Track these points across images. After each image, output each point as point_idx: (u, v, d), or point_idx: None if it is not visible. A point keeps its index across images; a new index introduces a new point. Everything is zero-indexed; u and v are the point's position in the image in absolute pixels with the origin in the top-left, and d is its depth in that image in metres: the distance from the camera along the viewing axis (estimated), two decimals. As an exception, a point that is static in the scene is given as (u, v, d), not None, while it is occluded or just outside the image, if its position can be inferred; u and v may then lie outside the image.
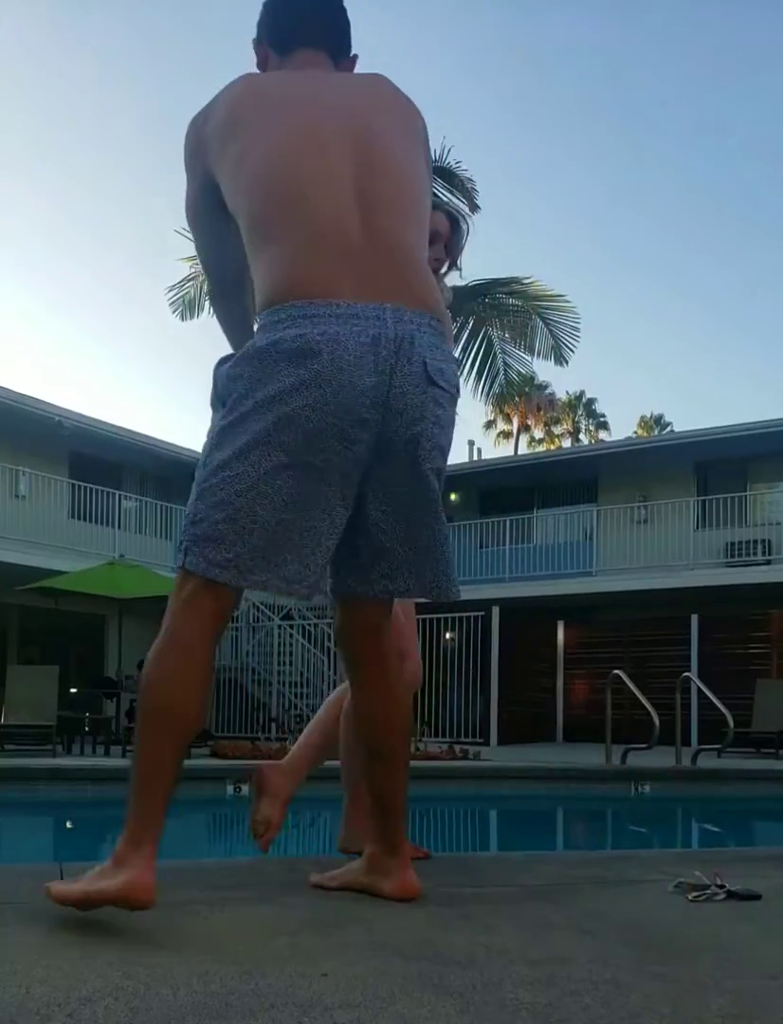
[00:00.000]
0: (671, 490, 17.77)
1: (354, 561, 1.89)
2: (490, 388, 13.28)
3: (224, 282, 2.14)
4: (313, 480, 1.75)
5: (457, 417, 1.91)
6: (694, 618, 15.12)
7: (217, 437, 1.79)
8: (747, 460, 17.59)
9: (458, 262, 2.94)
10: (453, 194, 12.52)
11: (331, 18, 2.10)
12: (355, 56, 2.14)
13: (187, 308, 13.81)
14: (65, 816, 6.50)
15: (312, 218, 1.82)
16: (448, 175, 12.36)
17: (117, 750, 11.10)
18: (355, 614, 1.96)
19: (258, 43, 2.11)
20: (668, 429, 40.03)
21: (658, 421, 43.56)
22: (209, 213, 2.00)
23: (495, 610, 14.90)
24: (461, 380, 12.68)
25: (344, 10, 2.11)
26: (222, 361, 1.93)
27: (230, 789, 6.36)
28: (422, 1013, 1.21)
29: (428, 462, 1.83)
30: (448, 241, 2.82)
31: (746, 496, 17.22)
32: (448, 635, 14.93)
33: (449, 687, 14.67)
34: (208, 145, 1.93)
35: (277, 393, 1.73)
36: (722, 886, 2.02)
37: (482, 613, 14.52)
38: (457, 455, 34.77)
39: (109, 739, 11.96)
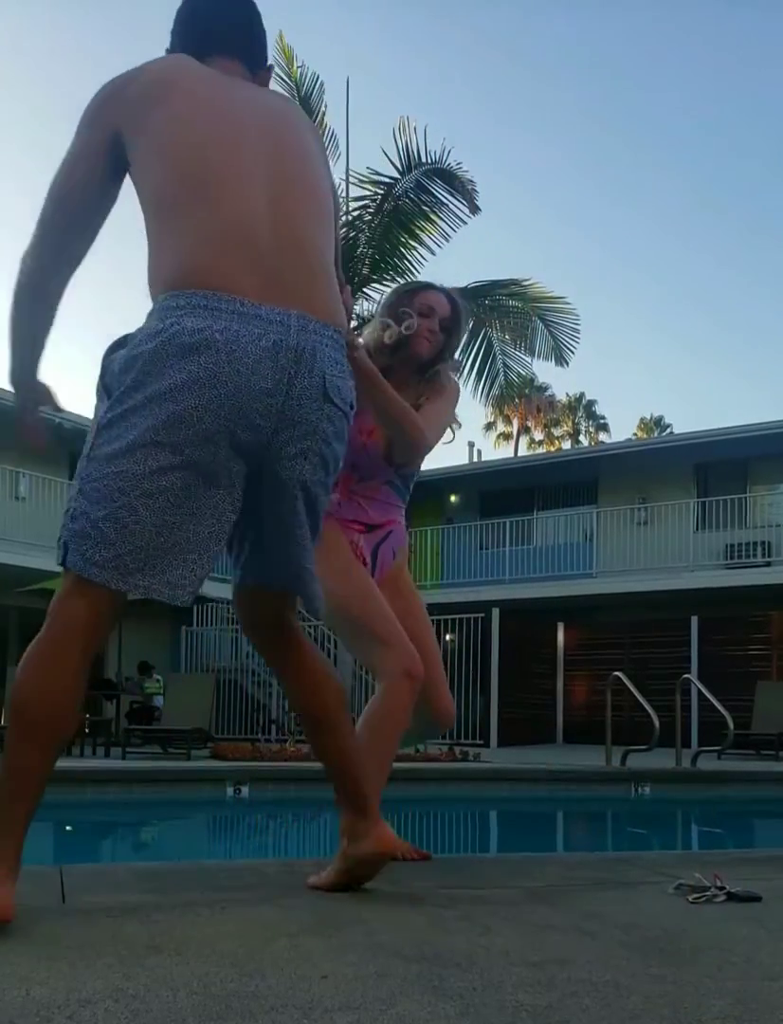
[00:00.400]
0: (671, 492, 17.77)
1: (243, 556, 1.92)
2: (490, 390, 13.26)
3: (55, 273, 1.86)
4: (201, 482, 1.70)
5: (345, 432, 1.87)
6: (694, 620, 15.12)
7: (103, 429, 1.71)
8: (747, 462, 17.60)
9: (455, 351, 2.79)
10: (453, 196, 12.52)
11: (247, 28, 2.07)
12: (270, 67, 2.14)
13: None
14: (64, 818, 6.49)
15: (224, 210, 1.77)
16: (448, 177, 12.35)
17: (117, 752, 11.10)
18: (256, 606, 1.98)
19: (171, 52, 2.05)
20: (668, 431, 40.03)
21: (658, 423, 43.56)
22: (92, 177, 1.84)
23: (495, 612, 14.90)
24: (461, 381, 12.56)
25: (260, 20, 2.09)
26: (114, 346, 1.80)
27: (230, 791, 6.35)
28: (422, 1015, 1.21)
29: (311, 475, 1.80)
30: (448, 321, 2.68)
31: (746, 498, 17.22)
32: (448, 637, 14.92)
33: (449, 689, 14.66)
34: (127, 104, 1.84)
35: (169, 389, 1.66)
36: (722, 888, 2.02)
37: (482, 615, 14.52)
38: (457, 457, 34.86)
39: (109, 741, 11.96)
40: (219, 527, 1.75)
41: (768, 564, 16.18)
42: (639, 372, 65.39)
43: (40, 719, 1.66)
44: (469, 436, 32.31)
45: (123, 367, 1.71)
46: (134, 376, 1.68)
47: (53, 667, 1.68)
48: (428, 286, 2.76)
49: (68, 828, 6.33)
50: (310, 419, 1.75)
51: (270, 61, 2.14)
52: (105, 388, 1.76)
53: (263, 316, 1.70)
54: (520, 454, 37.93)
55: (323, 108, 13.03)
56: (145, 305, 1.79)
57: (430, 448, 2.60)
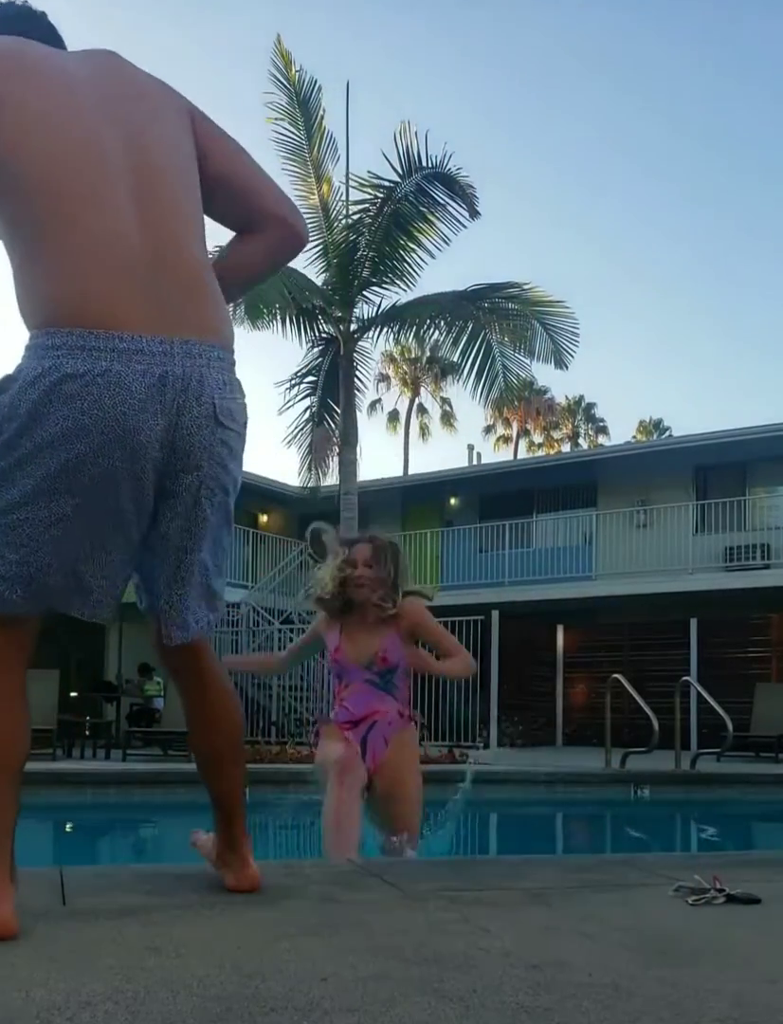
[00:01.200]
0: (670, 494, 17.76)
1: (145, 580, 1.88)
2: (489, 392, 13.28)
3: None
4: (107, 518, 1.70)
5: (244, 449, 1.83)
6: (693, 622, 15.11)
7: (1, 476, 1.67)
8: (746, 464, 17.59)
9: (399, 581, 3.24)
10: (453, 200, 12.54)
11: (40, 18, 1.96)
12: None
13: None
14: (65, 820, 6.49)
15: (90, 230, 1.67)
16: (449, 181, 12.37)
17: (117, 754, 11.09)
18: (156, 631, 1.91)
19: None
20: (667, 433, 40.04)
21: (657, 425, 43.55)
22: None
23: (495, 614, 14.88)
24: (460, 384, 12.56)
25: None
26: None
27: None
28: (422, 1017, 1.21)
29: (208, 499, 1.77)
30: (372, 560, 3.20)
31: (745, 500, 17.22)
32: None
33: (448, 691, 14.65)
34: None
35: (58, 436, 1.62)
36: (722, 890, 2.02)
37: (481, 617, 14.50)
38: (457, 459, 34.85)
39: (109, 743, 11.95)
40: (129, 558, 1.77)
41: (767, 566, 16.16)
42: (638, 375, 65.45)
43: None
44: (468, 439, 32.34)
45: (7, 415, 1.65)
46: (21, 423, 1.63)
47: None
48: (355, 541, 3.36)
49: (68, 829, 6.33)
50: (204, 445, 1.72)
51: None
52: None
53: (144, 350, 1.65)
54: (519, 457, 37.94)
55: (321, 112, 13.05)
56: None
57: (470, 662, 3.35)
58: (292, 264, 13.03)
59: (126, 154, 1.75)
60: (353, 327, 13.61)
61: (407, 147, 12.28)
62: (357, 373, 13.78)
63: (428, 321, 13.40)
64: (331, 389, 13.92)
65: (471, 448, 28.72)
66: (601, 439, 43.05)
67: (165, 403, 1.66)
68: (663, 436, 38.38)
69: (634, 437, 41.73)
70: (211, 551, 1.83)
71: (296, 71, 12.74)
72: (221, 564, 1.87)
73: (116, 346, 1.63)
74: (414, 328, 13.74)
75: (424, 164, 12.28)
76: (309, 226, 11.65)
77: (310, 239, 1.97)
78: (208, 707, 1.97)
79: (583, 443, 42.61)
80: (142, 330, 1.65)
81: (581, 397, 43.80)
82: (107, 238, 1.67)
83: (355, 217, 13.09)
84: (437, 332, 13.75)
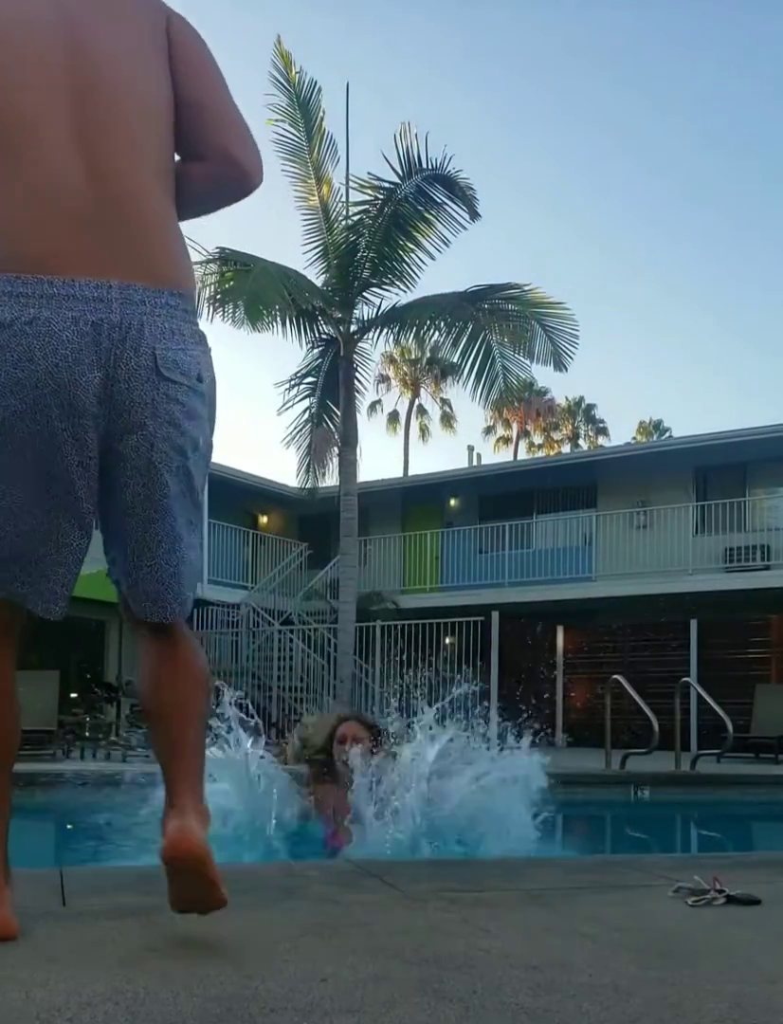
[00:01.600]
0: (670, 495, 17.76)
1: (109, 550, 1.72)
2: (489, 393, 13.28)
3: None
4: (52, 490, 1.56)
5: (204, 412, 1.65)
6: (693, 623, 15.12)
7: None
8: (746, 465, 17.60)
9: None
10: (454, 201, 12.54)
11: None
12: None
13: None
14: (65, 820, 6.48)
15: (26, 166, 1.53)
16: (449, 183, 12.37)
17: (117, 755, 11.10)
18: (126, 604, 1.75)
19: None
20: (667, 434, 40.04)
21: (657, 426, 43.56)
22: None
23: (495, 615, 14.88)
24: (460, 384, 12.48)
25: None
26: None
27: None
28: (422, 1018, 1.21)
29: (164, 465, 1.60)
30: (364, 733, 3.77)
31: (745, 501, 17.23)
32: (448, 640, 14.92)
33: (448, 691, 14.66)
34: None
35: None
36: (721, 891, 2.02)
37: (481, 618, 14.50)
38: (457, 460, 34.85)
39: (109, 743, 11.95)
40: (84, 529, 1.62)
41: (767, 567, 16.17)
42: (638, 375, 65.38)
43: None
44: (468, 439, 32.36)
45: None
46: None
47: None
48: (344, 719, 4.01)
49: (68, 828, 6.33)
50: (145, 400, 1.55)
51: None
52: None
53: (78, 294, 1.50)
54: (519, 458, 37.95)
55: (322, 113, 13.06)
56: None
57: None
58: (292, 265, 13.05)
59: (77, 74, 1.58)
60: (353, 328, 13.61)
61: (407, 148, 12.29)
62: (357, 374, 13.79)
63: (428, 322, 13.41)
64: (331, 390, 13.92)
65: (471, 449, 28.76)
66: (601, 440, 43.05)
67: (100, 353, 1.52)
68: (663, 437, 38.39)
69: (634, 438, 41.74)
70: (179, 521, 1.66)
71: (296, 72, 12.75)
72: (195, 535, 1.70)
73: (47, 292, 1.50)
74: (414, 329, 13.74)
75: (424, 165, 12.28)
76: (309, 227, 11.46)
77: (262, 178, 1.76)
78: (165, 667, 1.71)
79: (583, 444, 42.61)
80: (78, 274, 1.51)
81: (581, 398, 43.81)
82: (45, 174, 1.53)
83: (355, 218, 13.10)
84: (437, 333, 13.76)
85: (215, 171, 1.71)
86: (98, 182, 1.54)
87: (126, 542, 1.66)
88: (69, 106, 1.55)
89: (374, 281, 13.28)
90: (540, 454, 39.54)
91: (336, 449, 13.87)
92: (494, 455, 39.77)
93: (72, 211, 1.53)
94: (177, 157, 1.73)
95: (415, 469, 33.61)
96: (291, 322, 13.53)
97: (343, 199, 13.37)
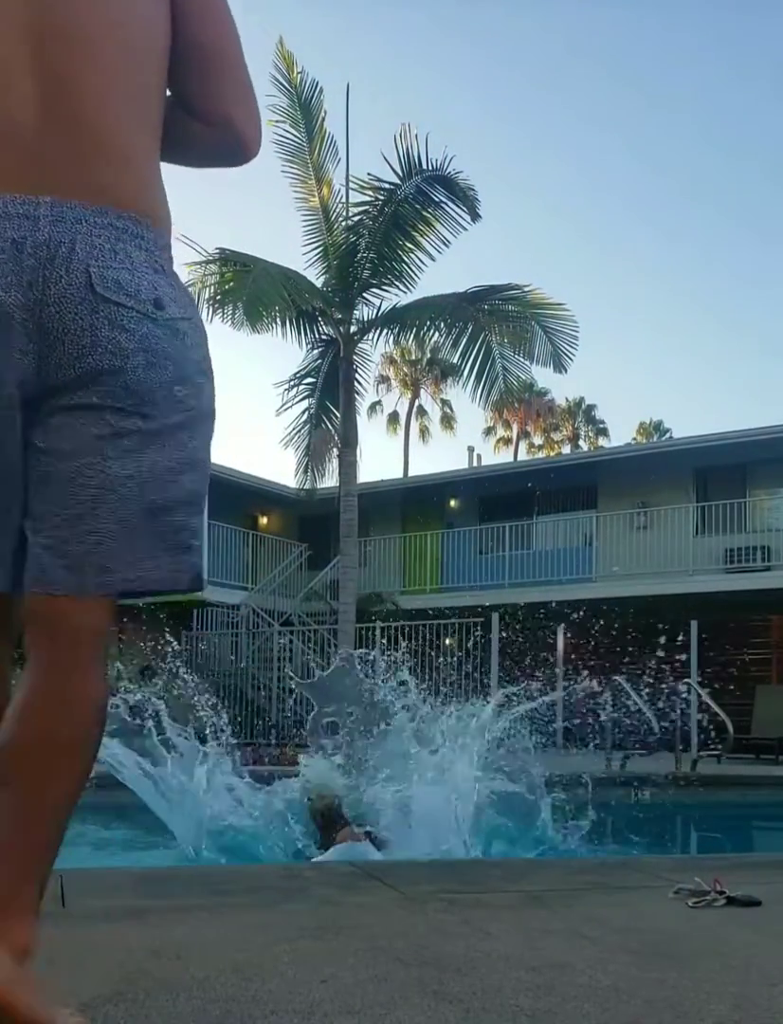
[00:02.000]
0: (670, 496, 17.77)
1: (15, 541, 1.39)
2: (489, 394, 13.29)
3: None
4: None
5: (191, 340, 1.40)
6: (694, 624, 15.12)
7: None
8: (746, 466, 17.60)
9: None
10: (454, 202, 12.55)
11: None
12: None
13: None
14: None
15: None
16: (449, 184, 12.39)
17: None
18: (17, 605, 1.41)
19: None
20: (667, 435, 40.05)
21: (657, 427, 43.57)
22: None
23: (494, 616, 14.89)
24: (460, 385, 12.45)
25: None
26: None
27: (230, 795, 6.34)
28: (422, 1020, 1.21)
29: (112, 402, 1.34)
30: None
31: (745, 502, 17.23)
32: (447, 641, 14.92)
33: (449, 692, 14.67)
34: None
35: None
36: (722, 892, 2.02)
37: (481, 619, 14.51)
38: (457, 461, 34.81)
39: (108, 745, 11.92)
40: (16, 493, 1.36)
41: (768, 568, 16.17)
42: (639, 376, 65.39)
43: None
44: (469, 441, 32.36)
45: None
46: None
47: None
48: (331, 818, 4.56)
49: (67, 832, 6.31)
50: (82, 326, 1.33)
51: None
52: None
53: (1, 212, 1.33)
54: (520, 458, 37.96)
55: (323, 114, 13.08)
56: None
57: None
58: (292, 265, 13.05)
59: (45, 13, 1.39)
60: (353, 329, 13.62)
61: (407, 149, 12.30)
62: (357, 374, 13.80)
63: (428, 323, 13.42)
64: (330, 390, 13.93)
65: (471, 450, 28.77)
66: (601, 441, 43.07)
67: (22, 275, 1.32)
68: (663, 438, 38.39)
69: (634, 439, 41.75)
70: (148, 481, 1.36)
71: (298, 73, 12.77)
72: (170, 499, 1.37)
73: None
74: (414, 330, 13.76)
75: (424, 166, 12.29)
76: (309, 228, 11.43)
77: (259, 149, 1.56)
78: (31, 708, 1.32)
79: (583, 445, 42.64)
80: (4, 189, 1.34)
81: (581, 399, 43.84)
82: None
83: (355, 219, 13.11)
84: (437, 334, 13.77)
85: (213, 136, 1.55)
86: (51, 102, 1.37)
87: (47, 512, 1.35)
88: (29, 49, 1.37)
89: (374, 282, 13.29)
90: (540, 455, 39.56)
91: (336, 450, 13.89)
92: (494, 456, 39.83)
93: (12, 123, 1.36)
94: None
95: (415, 470, 33.66)
96: (291, 323, 13.54)
97: (343, 200, 13.40)
